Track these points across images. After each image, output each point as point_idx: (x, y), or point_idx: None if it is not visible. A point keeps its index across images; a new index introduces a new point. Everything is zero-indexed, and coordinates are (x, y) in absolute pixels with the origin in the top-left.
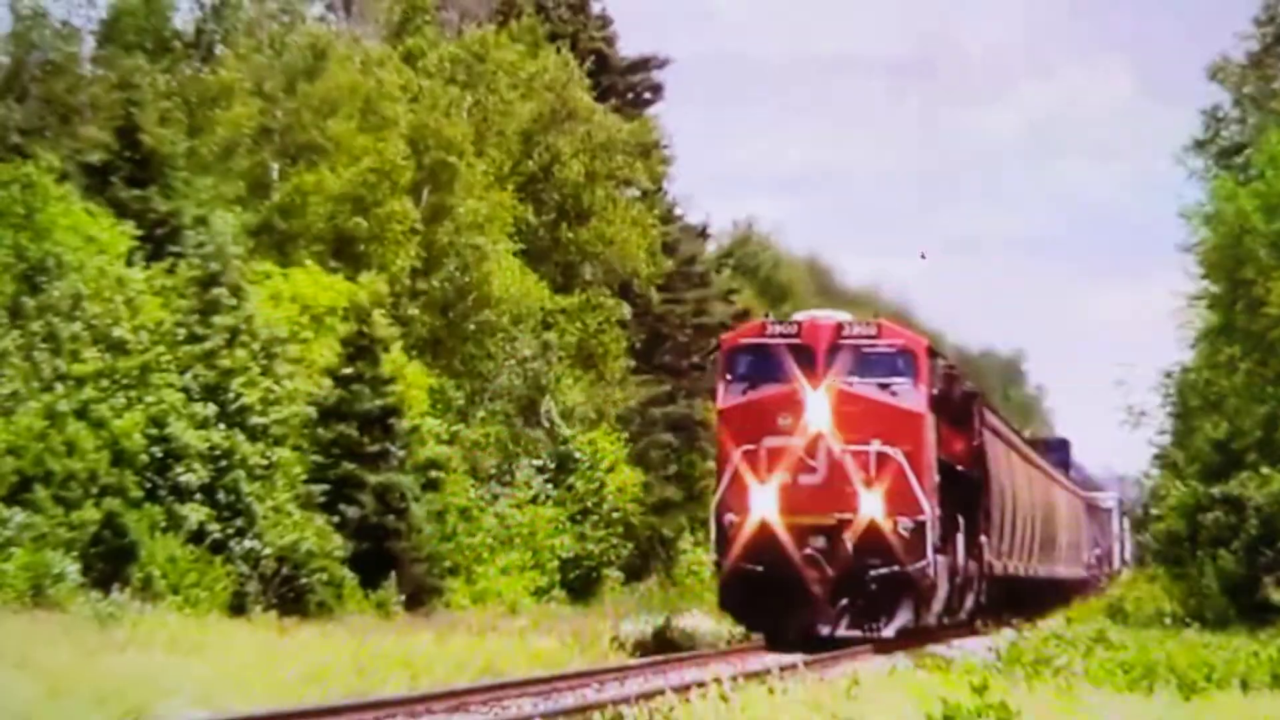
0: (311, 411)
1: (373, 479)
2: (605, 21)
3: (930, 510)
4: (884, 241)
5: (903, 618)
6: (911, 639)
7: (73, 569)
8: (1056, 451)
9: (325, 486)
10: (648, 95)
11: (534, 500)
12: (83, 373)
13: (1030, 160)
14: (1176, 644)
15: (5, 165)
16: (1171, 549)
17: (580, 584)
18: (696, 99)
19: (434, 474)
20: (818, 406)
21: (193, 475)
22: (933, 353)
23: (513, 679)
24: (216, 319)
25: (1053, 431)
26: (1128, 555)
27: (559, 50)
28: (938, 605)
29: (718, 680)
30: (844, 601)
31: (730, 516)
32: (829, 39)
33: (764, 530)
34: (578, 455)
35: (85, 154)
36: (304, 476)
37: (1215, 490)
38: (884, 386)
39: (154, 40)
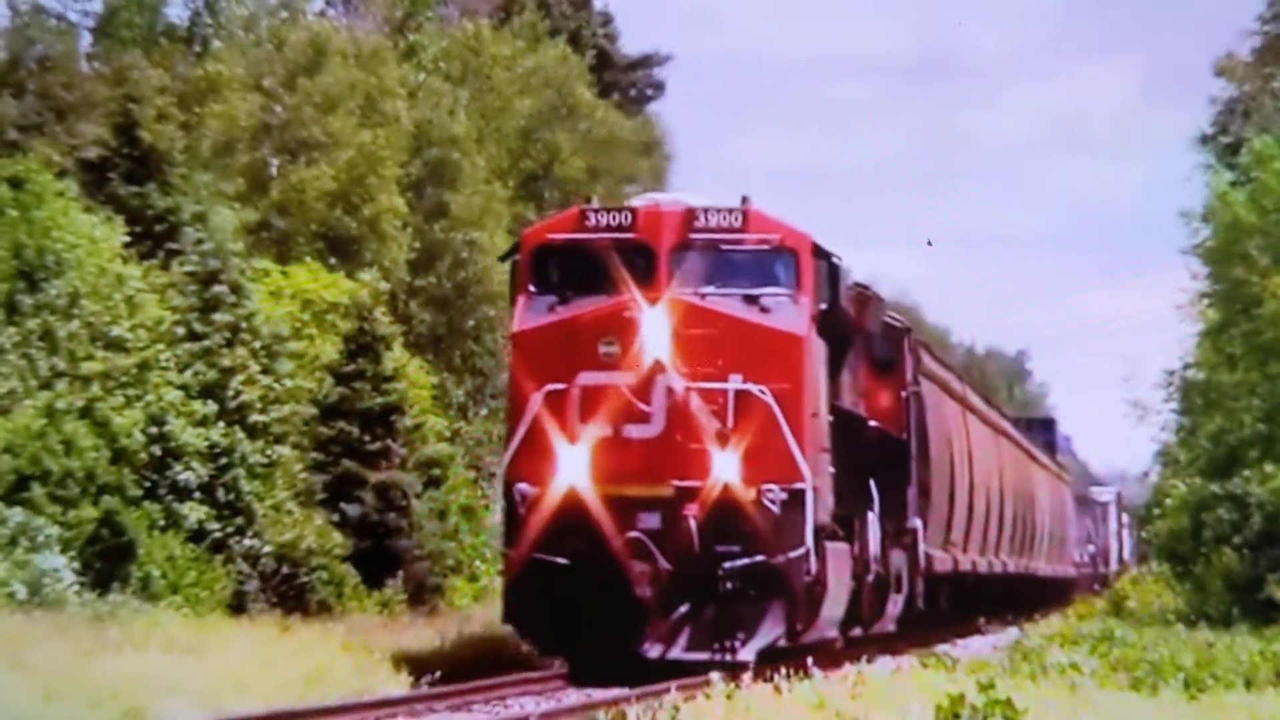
0: (312, 410)
1: (374, 477)
2: (607, 18)
3: (812, 475)
4: (889, 240)
5: (769, 632)
6: (909, 639)
7: (64, 566)
8: (1040, 432)
9: (325, 478)
10: (649, 92)
11: None
12: (81, 371)
13: (1037, 159)
14: (1181, 642)
15: (2, 161)
16: (1175, 546)
17: None
18: (700, 97)
19: (436, 471)
20: (655, 327)
21: (192, 474)
22: (823, 254)
23: (514, 678)
24: (217, 316)
25: None
26: (1128, 554)
27: (557, 45)
28: (831, 611)
29: (732, 676)
30: (683, 608)
31: (524, 487)
32: (835, 37)
33: (571, 505)
34: None
35: (83, 150)
36: (304, 474)
37: (1218, 487)
38: (751, 300)
39: (148, 35)
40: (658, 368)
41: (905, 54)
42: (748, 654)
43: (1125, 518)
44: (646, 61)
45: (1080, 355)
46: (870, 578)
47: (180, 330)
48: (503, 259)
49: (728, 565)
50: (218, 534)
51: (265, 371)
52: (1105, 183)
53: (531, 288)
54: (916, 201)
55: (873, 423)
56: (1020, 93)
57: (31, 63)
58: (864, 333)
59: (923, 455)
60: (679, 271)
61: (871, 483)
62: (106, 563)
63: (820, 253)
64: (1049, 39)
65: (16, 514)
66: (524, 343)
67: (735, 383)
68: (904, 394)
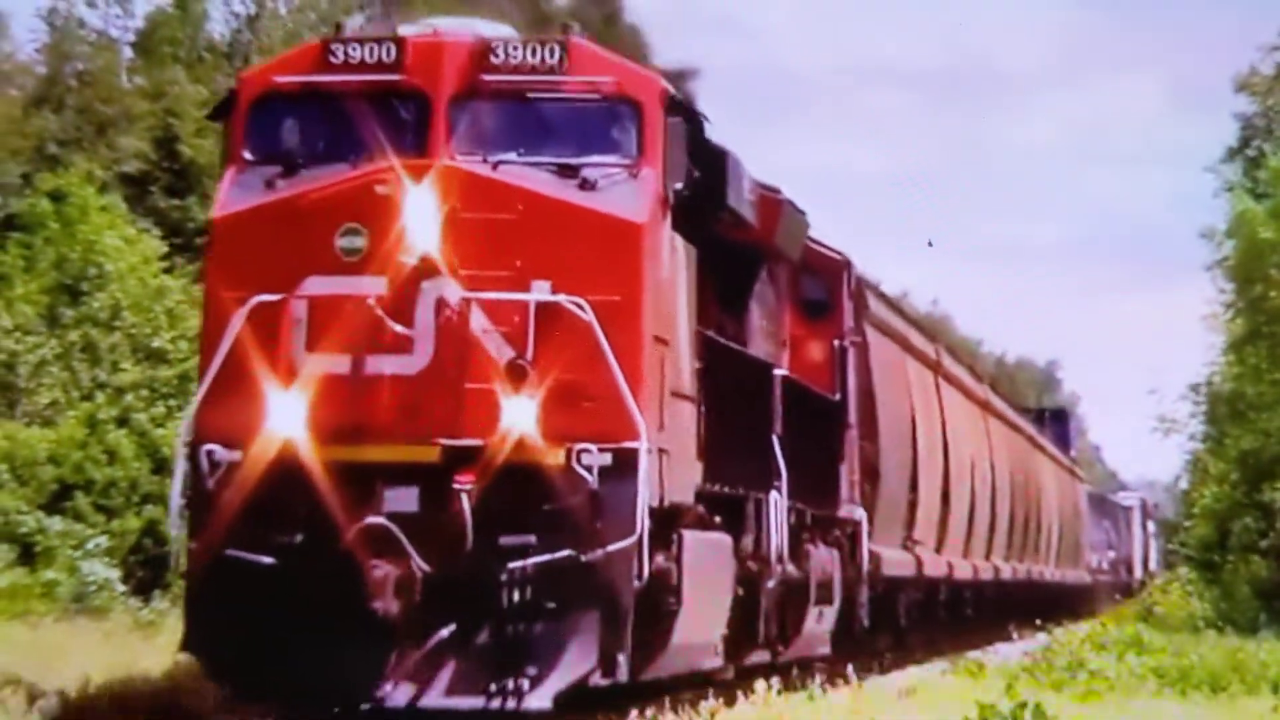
0: None
1: None
2: (636, 33)
3: (657, 430)
4: (920, 251)
5: (576, 665)
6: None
7: (116, 578)
8: (1052, 424)
9: None
10: None
11: None
12: (122, 382)
13: (1064, 169)
14: (1209, 648)
15: (44, 175)
16: (1202, 554)
17: None
18: (729, 105)
19: None
20: (422, 210)
21: None
22: (683, 109)
23: None
24: None
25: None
26: (1154, 562)
27: None
28: (695, 631)
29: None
30: (446, 631)
31: (215, 450)
32: (862, 50)
33: (282, 477)
34: None
35: (123, 164)
36: None
37: (1244, 496)
38: (568, 171)
39: (189, 50)
40: (425, 269)
41: (934, 64)
42: (540, 699)
43: (1152, 525)
44: (677, 76)
45: (1110, 365)
46: (771, 583)
47: None
48: (212, 117)
49: (516, 565)
50: None
51: None
52: (1132, 193)
53: (246, 155)
54: (945, 211)
55: (780, 371)
56: (1048, 104)
57: (71, 78)
58: (778, 256)
59: (868, 426)
60: (463, 129)
61: (779, 454)
62: (148, 571)
63: (677, 107)
64: (1076, 51)
65: (56, 523)
66: (226, 234)
67: (540, 292)
68: (838, 343)
